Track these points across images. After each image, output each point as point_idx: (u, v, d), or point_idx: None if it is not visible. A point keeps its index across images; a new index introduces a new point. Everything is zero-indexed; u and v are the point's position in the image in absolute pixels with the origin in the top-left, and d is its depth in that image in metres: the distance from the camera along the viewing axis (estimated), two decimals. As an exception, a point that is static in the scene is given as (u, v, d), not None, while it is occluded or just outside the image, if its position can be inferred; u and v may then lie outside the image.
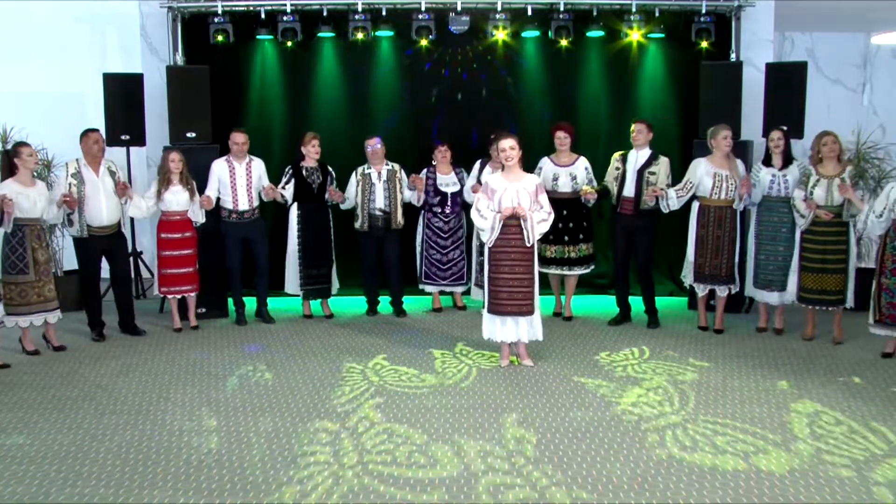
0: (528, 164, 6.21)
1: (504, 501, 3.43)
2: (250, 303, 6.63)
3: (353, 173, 6.55)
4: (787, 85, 6.62)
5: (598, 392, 4.75)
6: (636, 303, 6.45)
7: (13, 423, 4.36)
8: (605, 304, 6.79)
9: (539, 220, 5.10)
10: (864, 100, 9.01)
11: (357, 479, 3.64)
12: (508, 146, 5.09)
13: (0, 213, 5.29)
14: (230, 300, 6.66)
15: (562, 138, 6.32)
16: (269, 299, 6.65)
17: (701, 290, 6.09)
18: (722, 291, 6.04)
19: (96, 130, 5.98)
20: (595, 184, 6.29)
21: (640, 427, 4.21)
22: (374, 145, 6.48)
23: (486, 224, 5.11)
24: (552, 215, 5.19)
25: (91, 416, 4.45)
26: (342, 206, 6.59)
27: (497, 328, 5.23)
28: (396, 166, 6.58)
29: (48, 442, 4.09)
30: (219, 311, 6.65)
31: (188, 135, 6.57)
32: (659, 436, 4.09)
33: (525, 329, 5.20)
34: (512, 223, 5.07)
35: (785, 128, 6.08)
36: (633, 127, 6.13)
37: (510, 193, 5.08)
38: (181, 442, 4.06)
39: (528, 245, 5.09)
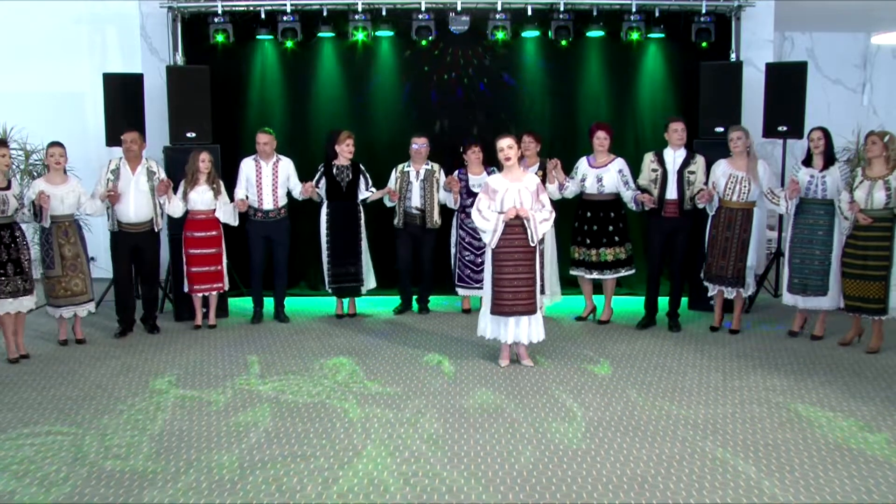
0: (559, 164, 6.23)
1: (504, 501, 3.43)
2: (268, 303, 6.64)
3: (394, 170, 6.60)
4: (787, 85, 6.62)
5: (598, 392, 4.76)
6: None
7: (13, 423, 4.36)
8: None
9: (541, 220, 5.10)
10: (864, 100, 9.01)
11: (357, 479, 3.64)
12: (507, 145, 5.08)
13: (38, 210, 5.46)
14: (230, 300, 6.66)
15: (601, 139, 6.17)
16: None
17: (711, 290, 6.06)
18: (729, 294, 5.98)
19: (132, 131, 6.08)
20: (632, 185, 6.14)
21: (640, 427, 4.21)
22: (420, 146, 6.50)
23: (488, 225, 5.10)
24: (553, 214, 5.18)
25: (91, 416, 4.45)
26: (388, 204, 6.61)
27: (501, 329, 5.23)
28: (436, 166, 6.58)
29: (48, 442, 4.09)
30: (219, 311, 6.64)
31: (188, 135, 6.57)
32: (659, 436, 4.09)
33: (526, 329, 5.20)
34: (515, 223, 5.07)
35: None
36: (671, 126, 5.99)
37: (512, 194, 5.07)
38: (181, 442, 4.06)
39: (532, 245, 5.09)
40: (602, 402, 4.60)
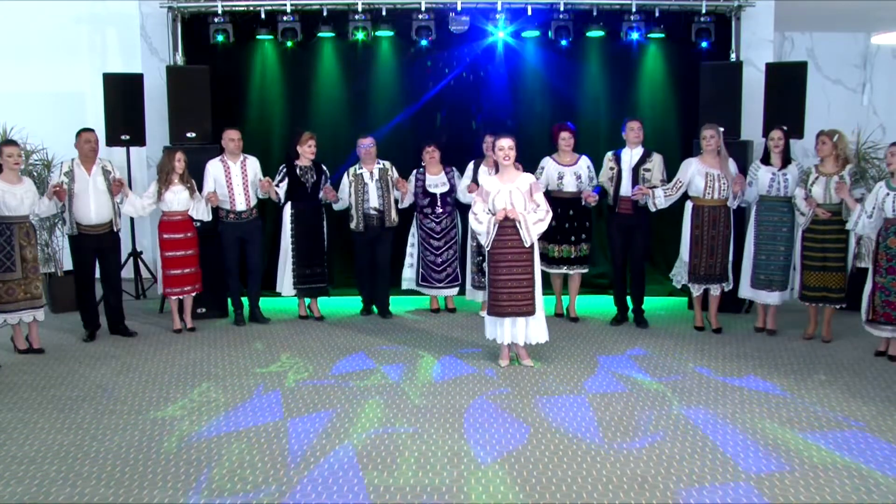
0: (531, 164, 6.25)
1: (504, 501, 3.43)
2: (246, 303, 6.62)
3: (346, 174, 6.55)
4: (787, 85, 6.62)
5: (598, 392, 4.76)
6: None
7: (13, 423, 4.36)
8: (607, 304, 6.77)
9: (535, 221, 5.08)
10: (864, 100, 9.00)
11: (357, 478, 3.64)
12: (507, 146, 5.09)
13: None
14: (230, 300, 6.65)
15: (567, 139, 6.31)
16: (263, 300, 6.65)
17: (696, 291, 6.10)
18: (715, 290, 6.05)
19: (89, 130, 5.96)
20: (595, 182, 6.30)
21: (640, 427, 4.21)
22: (368, 146, 6.48)
23: (482, 227, 5.10)
24: (550, 214, 5.17)
25: (91, 416, 4.45)
26: (335, 207, 6.58)
27: (498, 329, 5.23)
28: (387, 164, 6.56)
29: (48, 442, 4.09)
30: (219, 312, 6.64)
31: (188, 135, 6.57)
32: (659, 436, 4.09)
33: (523, 330, 5.18)
34: (507, 224, 5.07)
35: (784, 127, 6.07)
36: (628, 124, 6.12)
37: (503, 195, 5.08)
38: (181, 442, 4.06)
39: (527, 246, 5.09)
40: (602, 402, 4.60)
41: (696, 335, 6.03)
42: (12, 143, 5.63)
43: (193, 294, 6.29)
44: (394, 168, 6.58)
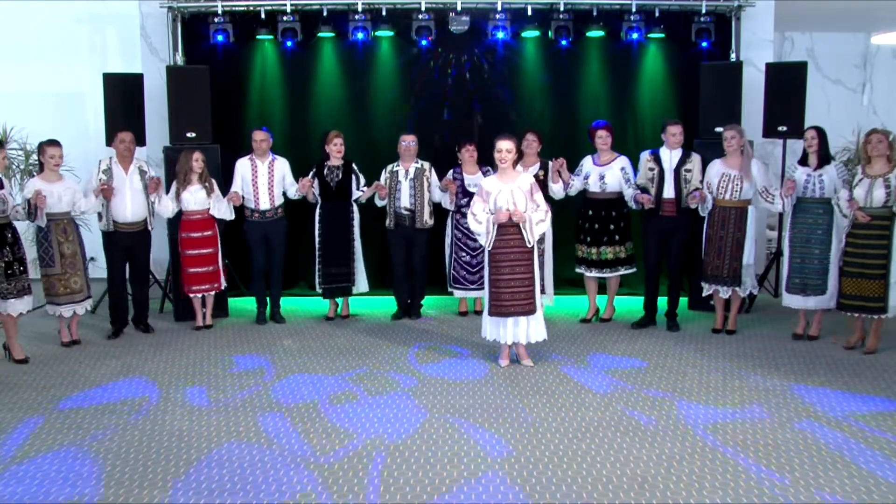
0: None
1: (504, 501, 3.43)
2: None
3: (383, 170, 6.55)
4: (787, 85, 6.62)
5: (598, 392, 4.75)
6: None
7: (13, 423, 4.36)
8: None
9: (537, 221, 5.09)
10: (864, 100, 9.01)
11: (357, 479, 3.64)
12: (506, 148, 5.08)
13: (34, 209, 5.43)
14: (230, 300, 6.66)
15: (603, 137, 6.22)
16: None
17: (706, 290, 6.05)
18: (724, 293, 5.99)
19: (125, 131, 6.10)
20: (634, 182, 6.17)
21: (640, 427, 4.21)
22: (408, 143, 6.44)
23: (481, 228, 5.10)
24: (549, 213, 5.18)
25: (90, 415, 4.45)
26: (378, 203, 6.56)
27: (499, 330, 5.23)
28: (426, 164, 6.51)
29: (48, 442, 4.09)
30: (219, 311, 6.64)
31: (188, 135, 6.57)
32: (659, 436, 4.09)
33: (525, 329, 5.20)
34: (509, 224, 5.06)
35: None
36: (670, 129, 5.98)
37: (504, 195, 5.07)
38: (181, 442, 4.06)
39: (529, 246, 5.09)
40: (602, 402, 4.60)
41: (696, 335, 6.02)
42: (55, 143, 5.72)
43: (213, 292, 6.34)
44: (432, 169, 6.53)
